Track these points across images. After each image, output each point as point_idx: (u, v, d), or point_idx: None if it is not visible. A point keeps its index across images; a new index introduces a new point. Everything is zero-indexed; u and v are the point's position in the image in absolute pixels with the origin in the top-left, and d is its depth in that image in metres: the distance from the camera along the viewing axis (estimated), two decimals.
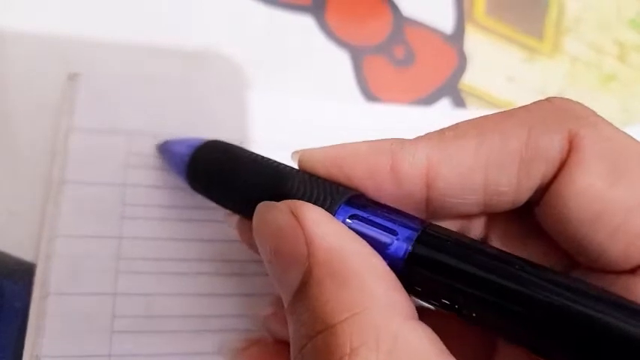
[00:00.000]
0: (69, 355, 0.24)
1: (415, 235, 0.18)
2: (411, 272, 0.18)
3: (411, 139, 0.20)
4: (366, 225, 0.18)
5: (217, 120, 0.30)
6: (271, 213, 0.19)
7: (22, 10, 0.31)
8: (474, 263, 0.17)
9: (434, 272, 0.17)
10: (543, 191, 0.19)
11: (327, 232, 0.17)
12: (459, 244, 0.18)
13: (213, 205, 0.24)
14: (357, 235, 0.18)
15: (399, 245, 0.18)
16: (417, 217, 0.19)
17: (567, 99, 0.19)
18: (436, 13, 0.39)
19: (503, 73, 0.39)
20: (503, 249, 0.18)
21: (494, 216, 0.21)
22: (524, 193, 0.19)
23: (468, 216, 0.21)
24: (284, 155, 0.30)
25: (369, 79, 0.36)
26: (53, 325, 0.24)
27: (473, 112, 0.37)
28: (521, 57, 0.40)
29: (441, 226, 0.19)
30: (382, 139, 0.20)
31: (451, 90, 0.38)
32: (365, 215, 0.19)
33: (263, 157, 0.22)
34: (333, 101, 0.34)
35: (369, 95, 0.36)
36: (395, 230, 0.18)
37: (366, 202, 0.19)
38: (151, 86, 0.30)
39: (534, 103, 0.19)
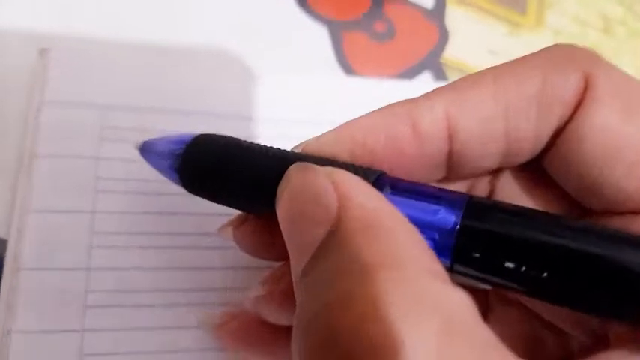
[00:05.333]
0: (41, 329, 0.24)
1: (463, 202, 0.17)
2: (465, 240, 0.17)
3: (422, 96, 0.19)
4: (406, 197, 0.18)
5: (192, 93, 0.30)
6: (304, 172, 0.17)
7: None
8: (532, 223, 0.17)
9: (494, 236, 0.17)
10: (557, 135, 0.19)
11: (364, 194, 0.16)
12: (507, 208, 0.18)
13: None
14: (392, 205, 0.16)
15: (446, 215, 0.17)
16: (454, 191, 0.18)
17: (574, 44, 0.19)
18: None
19: (485, 47, 0.39)
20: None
21: (499, 173, 0.21)
22: (543, 137, 0.19)
23: (481, 174, 0.21)
24: (265, 128, 0.30)
25: (349, 54, 0.36)
26: (25, 300, 0.24)
27: None
28: (503, 31, 0.40)
29: (480, 197, 0.19)
30: (390, 105, 0.19)
31: (432, 64, 0.37)
32: (404, 187, 0.18)
33: (267, 147, 0.20)
34: (314, 75, 0.33)
35: (349, 70, 0.35)
36: (440, 200, 0.17)
37: (396, 180, 0.19)
38: (124, 59, 0.29)
39: (544, 49, 0.19)
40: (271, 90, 0.31)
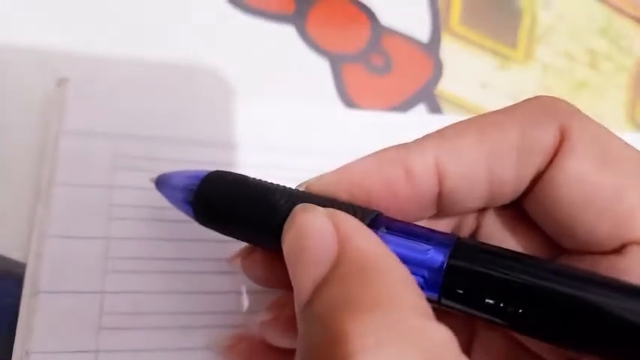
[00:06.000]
0: (58, 350, 0.25)
1: (451, 243, 0.19)
2: (451, 277, 0.19)
3: (414, 142, 0.21)
4: (399, 236, 0.20)
5: (202, 124, 0.31)
6: (308, 213, 0.19)
7: (9, 18, 0.32)
8: (511, 264, 0.19)
9: (476, 275, 0.19)
10: (535, 181, 0.20)
11: (361, 236, 0.18)
12: (490, 250, 0.20)
13: None
14: (386, 246, 0.18)
15: (435, 254, 0.19)
16: (442, 232, 0.20)
17: (554, 97, 0.21)
18: (413, 23, 0.41)
19: (477, 80, 0.41)
20: (492, 241, 0.21)
21: (484, 212, 0.23)
22: (523, 183, 0.21)
23: (468, 213, 0.23)
24: (267, 157, 0.32)
25: (348, 86, 0.37)
26: (43, 322, 0.25)
27: (448, 117, 0.38)
28: (494, 64, 0.42)
29: (466, 238, 0.21)
30: (382, 150, 0.21)
31: (427, 96, 0.39)
32: (398, 227, 0.20)
33: (275, 185, 0.22)
34: (314, 106, 0.35)
35: (348, 102, 0.37)
36: (430, 240, 0.19)
37: (390, 220, 0.20)
38: (138, 90, 0.31)
39: (525, 101, 0.21)
40: (273, 120, 0.33)
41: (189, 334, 0.27)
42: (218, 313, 0.28)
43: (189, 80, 0.34)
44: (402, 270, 0.17)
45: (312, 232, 0.18)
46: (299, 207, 0.19)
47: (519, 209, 0.22)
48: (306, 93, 0.36)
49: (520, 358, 0.22)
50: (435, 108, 0.39)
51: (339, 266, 0.17)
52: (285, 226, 0.19)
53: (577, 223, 0.20)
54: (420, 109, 0.38)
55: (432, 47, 0.41)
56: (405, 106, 0.38)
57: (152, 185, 0.28)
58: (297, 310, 0.18)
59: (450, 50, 0.41)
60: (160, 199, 0.28)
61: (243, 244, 0.24)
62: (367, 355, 0.14)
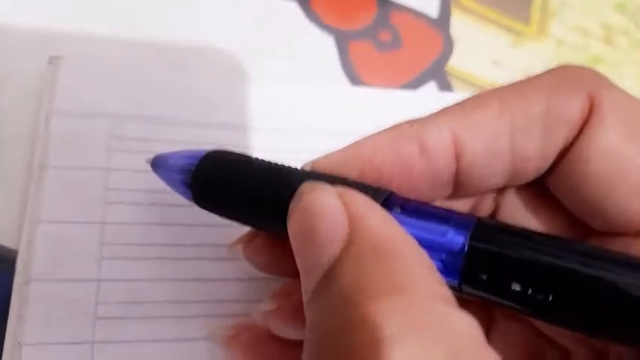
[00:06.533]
0: (52, 341, 0.24)
1: (471, 224, 0.17)
2: (473, 261, 0.17)
3: (429, 115, 0.19)
4: (415, 217, 0.18)
5: (203, 104, 0.30)
6: (315, 192, 0.17)
7: None
8: (540, 246, 0.17)
9: (501, 258, 0.17)
10: (561, 156, 0.19)
11: (374, 214, 0.16)
12: (515, 231, 0.18)
13: None
14: (401, 227, 0.16)
15: (454, 236, 0.17)
16: (461, 213, 0.19)
17: (580, 65, 0.20)
18: None
19: (489, 57, 0.39)
20: (513, 223, 0.19)
21: (503, 191, 0.21)
22: (548, 158, 0.19)
23: (486, 192, 0.21)
24: (271, 138, 0.30)
25: (355, 63, 0.36)
26: (35, 312, 0.24)
27: (459, 95, 0.37)
28: (507, 41, 0.40)
29: (487, 218, 0.19)
30: (397, 124, 0.20)
31: (437, 74, 0.37)
32: (413, 207, 0.18)
33: (278, 164, 0.20)
34: (320, 85, 0.33)
35: (356, 80, 0.35)
36: (448, 221, 0.18)
37: (405, 200, 0.19)
38: (135, 69, 0.29)
39: (550, 70, 0.20)
40: (278, 100, 0.32)
41: (188, 324, 0.26)
42: (218, 301, 0.26)
43: (189, 59, 0.32)
44: (420, 252, 0.16)
45: (321, 211, 0.16)
46: (305, 185, 0.18)
47: (542, 188, 0.20)
48: (311, 72, 0.35)
49: (540, 347, 0.21)
50: (445, 85, 0.37)
51: (351, 246, 0.15)
52: (291, 206, 0.18)
53: (607, 201, 0.18)
54: (431, 87, 0.37)
55: (442, 23, 0.39)
56: (414, 84, 0.37)
57: (149, 167, 0.27)
58: (304, 297, 0.16)
59: (461, 26, 0.39)
60: (157, 182, 0.27)
61: (244, 229, 0.23)
62: (389, 345, 0.13)
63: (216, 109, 0.30)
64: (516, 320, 0.21)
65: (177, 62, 0.32)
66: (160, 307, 0.25)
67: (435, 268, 0.15)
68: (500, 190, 0.21)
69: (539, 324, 0.21)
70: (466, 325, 0.14)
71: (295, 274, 0.17)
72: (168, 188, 0.27)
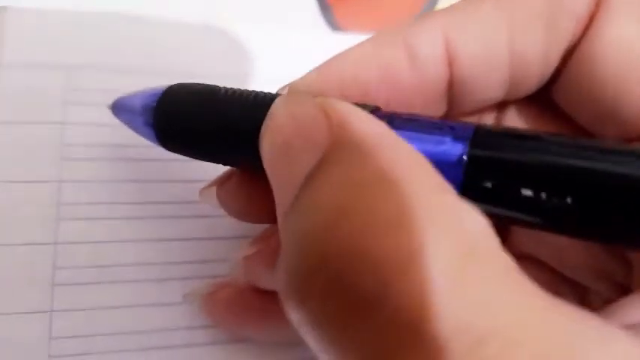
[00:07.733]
0: (5, 311, 0.21)
1: (469, 132, 0.15)
2: (475, 170, 0.15)
3: (416, 19, 0.17)
4: (406, 129, 0.16)
5: (167, 52, 0.27)
6: (290, 103, 0.15)
7: None
8: (549, 146, 0.15)
9: (507, 163, 0.15)
10: (566, 59, 0.17)
11: (359, 118, 0.13)
12: (519, 133, 0.16)
13: None
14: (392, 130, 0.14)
15: (451, 146, 0.15)
16: (457, 121, 0.17)
17: None
18: None
19: None
20: None
21: (504, 108, 0.19)
22: (552, 60, 0.17)
23: (484, 109, 0.19)
24: (241, 87, 0.28)
25: (335, 8, 0.33)
26: None
27: None
28: None
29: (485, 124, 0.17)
30: (381, 32, 0.18)
31: None
32: (403, 120, 0.16)
33: (248, 90, 0.18)
34: (296, 31, 0.31)
35: (335, 26, 0.33)
36: (444, 130, 0.16)
37: (393, 113, 0.17)
38: (92, 18, 0.27)
39: None
40: (247, 45, 0.29)
41: (159, 287, 0.23)
42: (192, 262, 0.24)
43: (151, 3, 0.30)
44: (414, 151, 0.13)
45: (298, 122, 0.14)
46: (279, 99, 0.15)
47: (546, 102, 0.18)
48: (285, 17, 0.32)
49: (556, 287, 0.19)
50: None
51: (334, 151, 0.13)
52: (264, 125, 0.15)
53: (619, 102, 0.16)
54: None
55: None
56: None
57: (111, 121, 0.24)
58: (279, 221, 0.14)
59: None
60: (120, 136, 0.25)
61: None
62: (385, 236, 0.11)
63: (182, 57, 0.28)
64: (530, 261, 0.19)
65: (136, 8, 0.29)
66: (125, 271, 0.23)
67: (430, 164, 0.13)
68: (501, 108, 0.19)
69: (555, 263, 0.18)
70: (477, 223, 0.12)
71: (274, 221, 0.15)
72: (131, 142, 0.24)
